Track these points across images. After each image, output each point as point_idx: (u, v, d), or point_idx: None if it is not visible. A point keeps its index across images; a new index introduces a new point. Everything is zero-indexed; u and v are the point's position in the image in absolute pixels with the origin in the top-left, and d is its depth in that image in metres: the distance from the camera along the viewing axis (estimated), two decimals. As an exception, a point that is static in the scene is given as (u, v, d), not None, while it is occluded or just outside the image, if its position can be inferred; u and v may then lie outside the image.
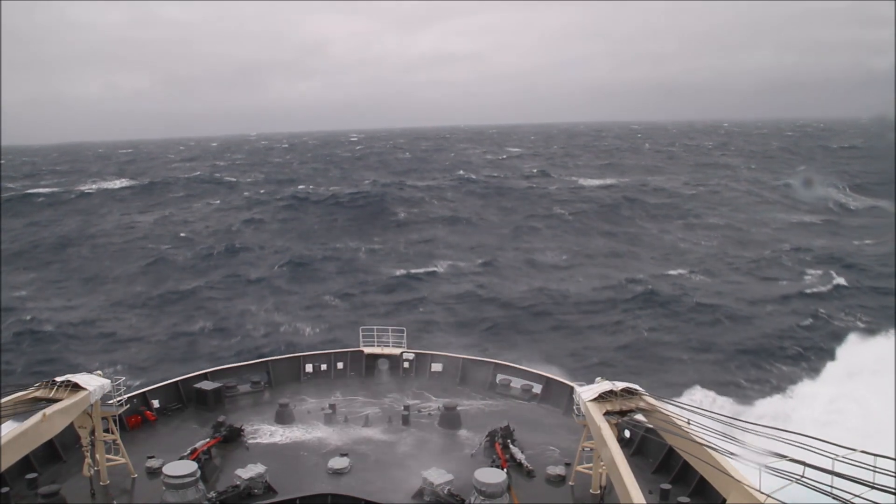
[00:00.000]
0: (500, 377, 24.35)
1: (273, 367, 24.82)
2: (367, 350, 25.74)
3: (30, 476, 16.04)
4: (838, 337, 41.68)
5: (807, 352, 40.64)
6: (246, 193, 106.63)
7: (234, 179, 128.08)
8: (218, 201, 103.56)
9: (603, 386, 15.41)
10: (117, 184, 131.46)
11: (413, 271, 59.64)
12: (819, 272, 57.17)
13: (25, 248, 69.99)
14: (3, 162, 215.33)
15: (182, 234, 76.67)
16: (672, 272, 57.67)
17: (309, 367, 25.09)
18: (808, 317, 47.39)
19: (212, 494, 15.39)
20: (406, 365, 25.23)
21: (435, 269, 60.23)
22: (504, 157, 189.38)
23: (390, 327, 26.66)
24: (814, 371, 38.06)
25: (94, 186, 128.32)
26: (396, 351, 25.66)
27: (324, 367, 25.30)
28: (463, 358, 25.41)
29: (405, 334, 26.37)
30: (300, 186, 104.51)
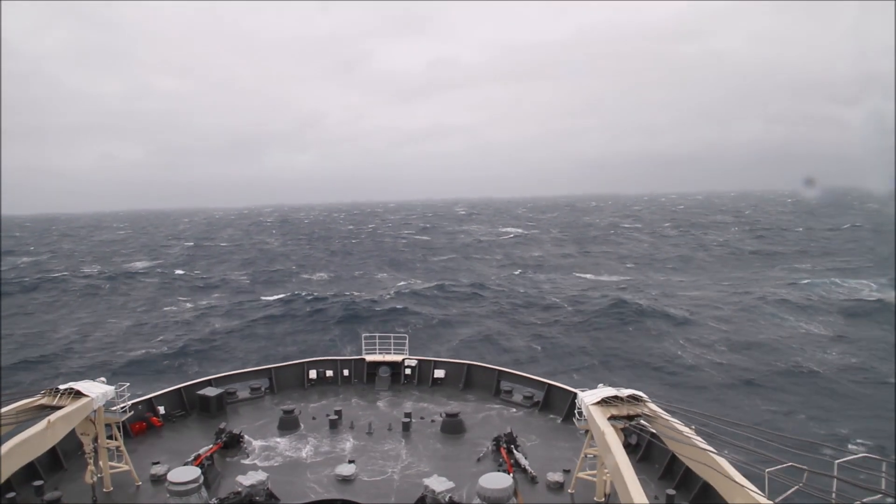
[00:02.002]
0: (502, 384, 24.47)
1: (276, 374, 25.02)
2: (370, 358, 25.92)
3: (36, 483, 16.03)
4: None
5: None
6: (216, 297, 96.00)
7: (207, 277, 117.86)
8: (188, 303, 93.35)
9: (607, 391, 15.71)
10: (85, 272, 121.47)
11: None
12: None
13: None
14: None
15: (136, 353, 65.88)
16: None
17: (313, 374, 25.31)
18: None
19: (214, 501, 15.52)
20: (408, 371, 25.44)
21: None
22: (510, 236, 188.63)
23: (392, 335, 26.83)
24: None
25: (62, 273, 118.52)
26: (398, 358, 25.81)
27: (329, 373, 25.53)
28: (466, 364, 25.57)
29: (407, 341, 26.52)
30: (275, 297, 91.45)
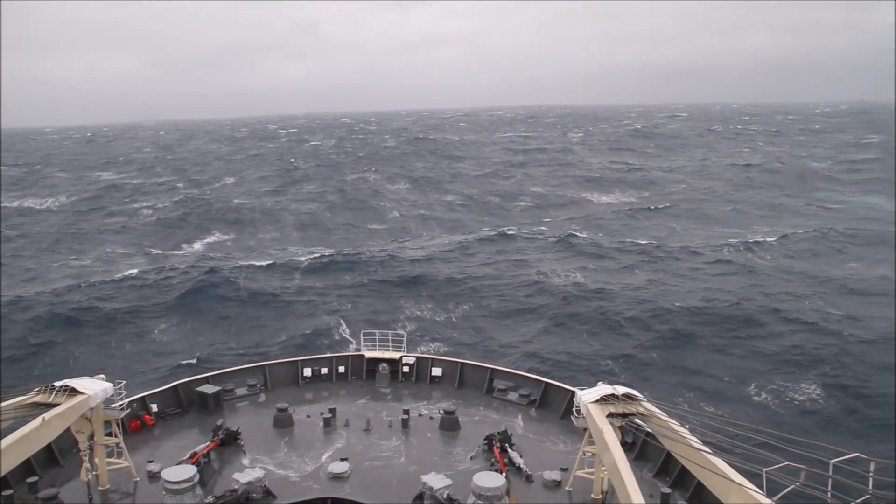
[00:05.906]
0: (498, 382, 24.87)
1: (270, 371, 25.16)
2: (369, 354, 26.04)
3: (30, 480, 16.73)
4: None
5: None
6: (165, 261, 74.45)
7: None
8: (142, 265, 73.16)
9: (604, 389, 16.08)
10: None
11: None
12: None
13: None
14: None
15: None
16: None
17: (308, 371, 25.46)
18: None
19: (210, 499, 16.09)
20: (406, 369, 25.55)
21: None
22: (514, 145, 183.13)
23: (390, 332, 26.87)
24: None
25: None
26: (396, 355, 25.95)
27: (324, 370, 25.66)
28: (462, 362, 25.80)
29: (405, 339, 26.65)
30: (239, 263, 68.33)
